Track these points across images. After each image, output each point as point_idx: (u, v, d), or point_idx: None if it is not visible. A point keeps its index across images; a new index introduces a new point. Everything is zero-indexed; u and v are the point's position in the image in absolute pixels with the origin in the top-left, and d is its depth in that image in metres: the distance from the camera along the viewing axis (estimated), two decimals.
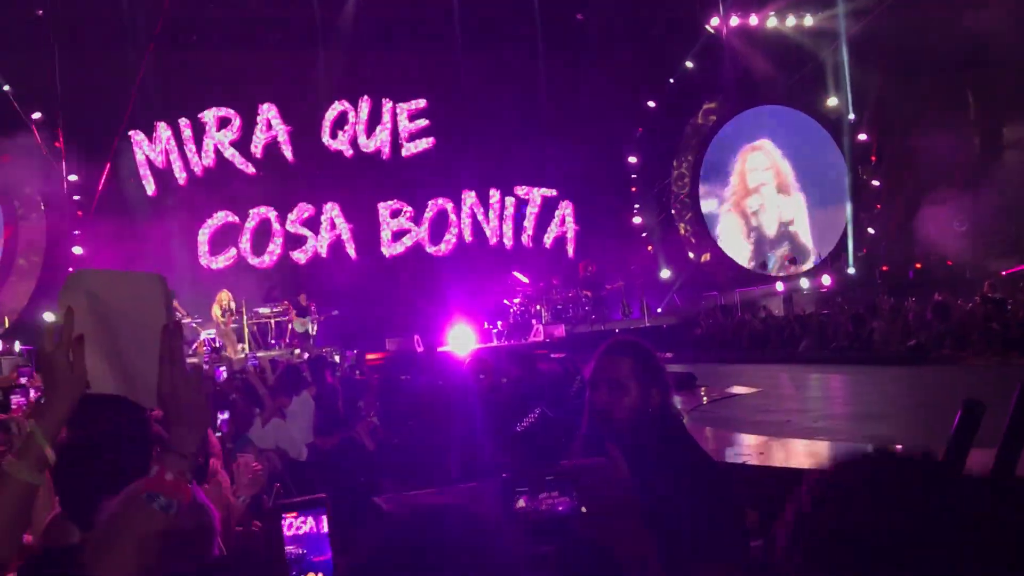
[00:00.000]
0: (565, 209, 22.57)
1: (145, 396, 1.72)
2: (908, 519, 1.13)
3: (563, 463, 1.64)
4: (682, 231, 25.28)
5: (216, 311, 17.37)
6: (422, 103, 21.51)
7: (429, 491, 6.23)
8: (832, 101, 24.85)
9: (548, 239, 22.56)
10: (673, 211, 25.20)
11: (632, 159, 24.27)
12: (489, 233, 22.06)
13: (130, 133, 19.62)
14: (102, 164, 19.23)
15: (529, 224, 22.31)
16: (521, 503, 1.52)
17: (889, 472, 1.21)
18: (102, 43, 18.99)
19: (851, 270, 24.32)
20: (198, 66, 19.94)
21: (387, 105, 21.48)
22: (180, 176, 19.95)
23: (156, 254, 17.96)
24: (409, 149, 21.50)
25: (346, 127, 21.25)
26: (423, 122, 21.58)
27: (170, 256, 18.50)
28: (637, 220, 24.50)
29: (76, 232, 18.97)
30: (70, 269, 18.17)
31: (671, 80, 24.13)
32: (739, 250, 25.40)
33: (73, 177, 19.01)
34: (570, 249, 22.65)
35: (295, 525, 1.57)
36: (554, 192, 22.52)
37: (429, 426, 7.81)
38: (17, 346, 16.38)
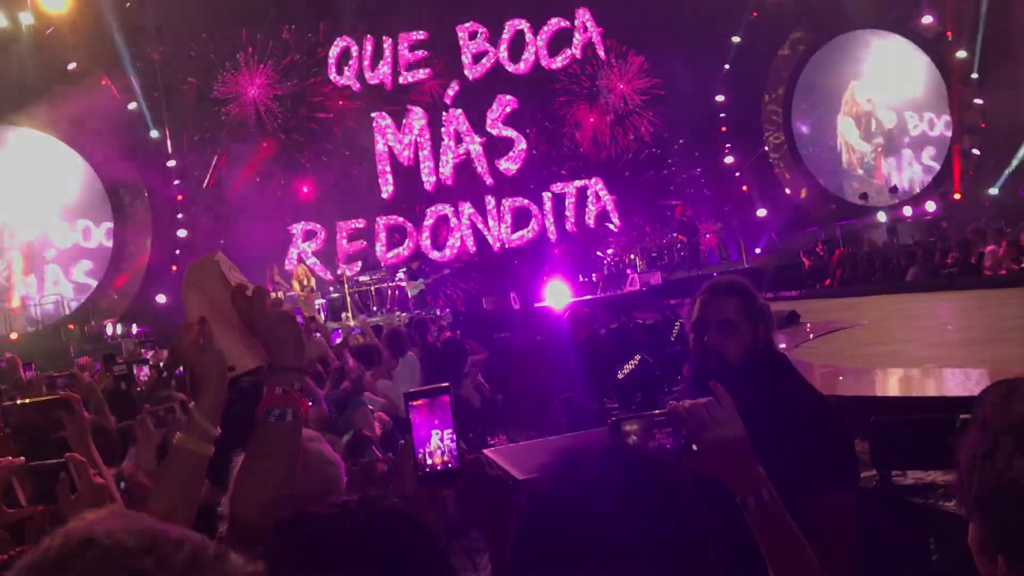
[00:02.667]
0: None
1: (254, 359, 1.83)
2: None
3: (671, 402, 1.67)
4: (776, 168, 24.70)
5: (296, 286, 17.76)
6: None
7: (536, 441, 6.34)
8: (927, 19, 23.81)
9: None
10: (767, 148, 24.63)
11: (720, 97, 23.73)
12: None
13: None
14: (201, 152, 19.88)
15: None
16: (632, 440, 1.57)
17: None
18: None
19: (957, 195, 23.46)
20: None
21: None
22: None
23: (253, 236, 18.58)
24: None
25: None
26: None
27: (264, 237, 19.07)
28: (729, 160, 24.02)
29: (179, 215, 19.67)
30: (176, 252, 18.96)
31: (754, 14, 23.45)
32: (838, 182, 24.72)
33: (171, 163, 19.66)
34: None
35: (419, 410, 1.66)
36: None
37: (531, 380, 7.96)
38: (134, 328, 17.17)
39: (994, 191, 22.87)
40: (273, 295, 1.78)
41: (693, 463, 1.58)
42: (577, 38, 21.85)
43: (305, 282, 18.05)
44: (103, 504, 1.90)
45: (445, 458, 1.60)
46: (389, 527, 1.24)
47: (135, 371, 5.48)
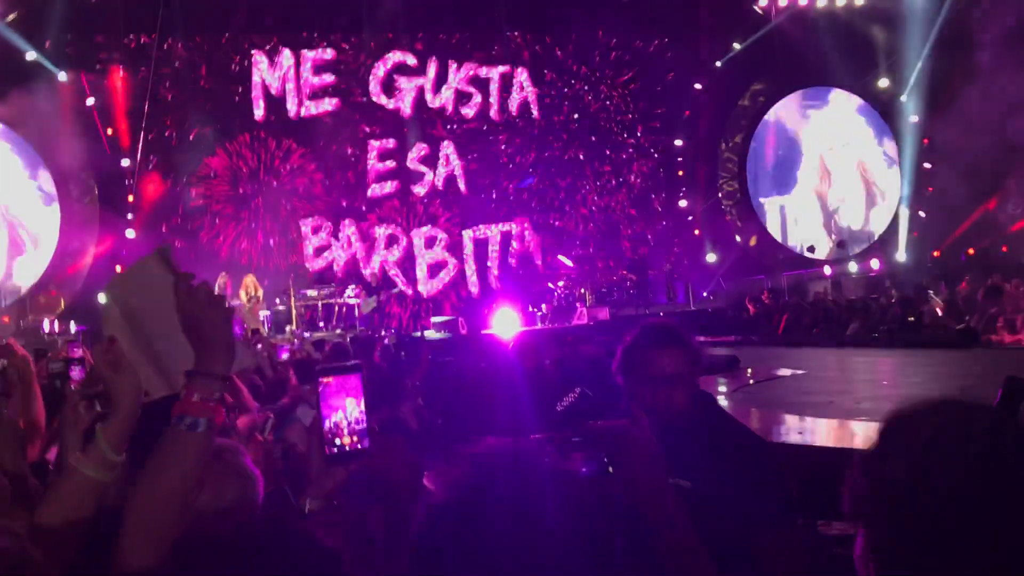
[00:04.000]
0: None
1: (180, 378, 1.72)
2: (974, 465, 1.18)
3: (589, 424, 1.66)
4: (728, 215, 25.06)
5: (242, 296, 17.56)
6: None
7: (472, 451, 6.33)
8: (883, 82, 24.43)
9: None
10: (720, 194, 24.99)
11: (678, 142, 24.07)
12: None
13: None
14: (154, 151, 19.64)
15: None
16: (547, 462, 1.57)
17: (954, 420, 1.25)
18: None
19: (901, 256, 23.97)
20: None
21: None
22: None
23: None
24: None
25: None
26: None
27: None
28: (683, 203, 24.32)
29: (129, 215, 19.36)
30: (123, 252, 18.62)
31: (718, 63, 23.90)
32: (787, 233, 25.13)
33: (125, 162, 19.36)
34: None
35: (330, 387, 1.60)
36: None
37: (473, 407, 7.92)
38: (73, 326, 16.78)
39: (936, 253, 23.42)
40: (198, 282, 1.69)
41: (608, 485, 1.58)
42: (514, 96, 21.95)
43: (252, 292, 17.83)
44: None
45: (354, 438, 1.55)
46: (287, 549, 1.21)
47: (70, 370, 5.34)
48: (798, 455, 5.80)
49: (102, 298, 1.84)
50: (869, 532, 1.27)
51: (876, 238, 24.81)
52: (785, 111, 25.14)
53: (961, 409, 1.28)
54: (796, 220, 25.18)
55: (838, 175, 25.24)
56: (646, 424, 1.64)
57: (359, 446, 1.57)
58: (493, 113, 21.79)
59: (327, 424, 1.56)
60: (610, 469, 1.58)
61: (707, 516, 1.85)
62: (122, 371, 1.70)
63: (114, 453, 1.68)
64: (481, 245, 21.40)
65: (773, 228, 25.05)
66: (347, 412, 1.56)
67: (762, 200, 25.05)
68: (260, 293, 18.01)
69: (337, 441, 1.56)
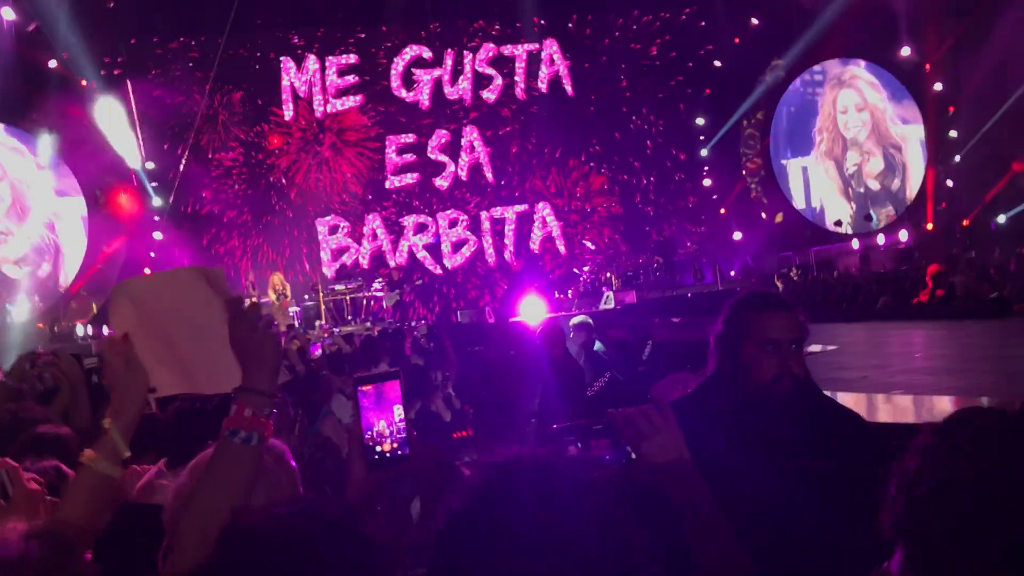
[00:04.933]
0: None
1: (208, 384, 1.83)
2: (1005, 478, 1.19)
3: (610, 411, 1.66)
4: (753, 192, 24.88)
5: (271, 294, 17.67)
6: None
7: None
8: (905, 51, 24.13)
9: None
10: (744, 171, 24.80)
11: (700, 120, 23.91)
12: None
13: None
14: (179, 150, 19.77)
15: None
16: (571, 450, 1.58)
17: (983, 431, 1.26)
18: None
19: (930, 225, 23.72)
20: None
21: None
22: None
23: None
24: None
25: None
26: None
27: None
28: (707, 182, 24.17)
29: (156, 218, 19.52)
30: (151, 254, 18.79)
31: (736, 40, 23.68)
32: (811, 203, 24.94)
33: (151, 165, 19.50)
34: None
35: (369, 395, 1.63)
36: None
37: (503, 395, 7.95)
38: (105, 330, 16.95)
39: (966, 222, 23.16)
40: (248, 301, 1.78)
41: (633, 472, 1.58)
42: (544, 70, 21.92)
43: (280, 290, 17.96)
44: (35, 511, 1.90)
45: (395, 445, 1.58)
46: (330, 539, 1.23)
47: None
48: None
49: (115, 294, 1.88)
50: (907, 549, 1.28)
51: (903, 209, 24.56)
52: (807, 83, 24.90)
53: (990, 420, 1.28)
54: (820, 189, 24.95)
55: (862, 144, 24.99)
56: (670, 410, 1.64)
57: (400, 452, 1.60)
58: (519, 92, 21.79)
59: (368, 434, 1.59)
60: (632, 456, 1.59)
61: (845, 501, 1.81)
62: (132, 367, 1.76)
63: (125, 447, 1.74)
64: (499, 224, 21.63)
65: (797, 198, 24.82)
66: (388, 420, 1.60)
67: (784, 163, 24.84)
68: (288, 289, 18.14)
69: (378, 448, 1.60)
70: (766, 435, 2.15)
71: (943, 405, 6.86)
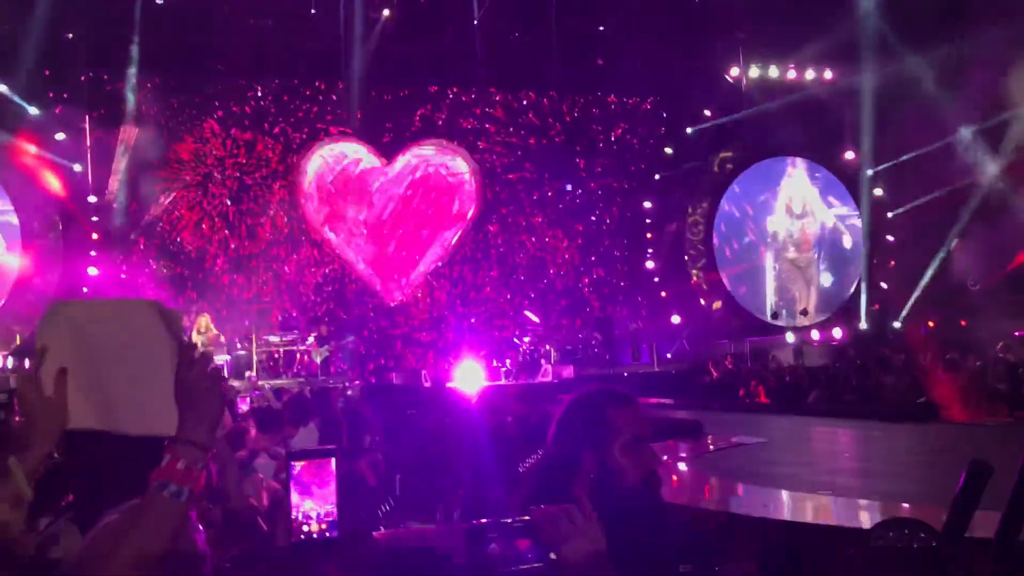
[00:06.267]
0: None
1: (133, 425, 1.71)
2: None
3: (532, 510, 1.60)
4: (694, 278, 25.25)
5: (196, 337, 17.32)
6: None
7: (426, 529, 6.20)
8: (849, 155, 24.92)
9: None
10: (686, 258, 25.20)
11: (647, 204, 24.32)
12: None
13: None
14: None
15: None
16: (493, 548, 1.52)
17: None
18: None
19: (863, 324, 24.23)
20: None
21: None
22: None
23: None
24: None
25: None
26: None
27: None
28: (650, 265, 24.50)
29: (92, 253, 19.09)
30: (84, 289, 18.32)
31: (688, 130, 24.31)
32: (751, 299, 25.36)
33: (92, 198, 19.16)
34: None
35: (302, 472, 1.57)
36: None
37: (433, 463, 7.81)
38: (27, 363, 16.37)
39: (897, 324, 23.70)
40: (200, 350, 1.70)
41: (552, 573, 1.53)
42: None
43: (203, 330, 17.60)
44: None
45: (323, 526, 1.51)
46: None
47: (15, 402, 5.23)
48: (764, 530, 5.76)
49: (49, 311, 1.78)
50: None
51: (838, 307, 25.12)
52: (752, 179, 25.52)
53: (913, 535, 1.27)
54: (759, 281, 25.43)
55: (800, 241, 25.60)
56: (591, 510, 1.59)
57: (327, 535, 1.53)
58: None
59: (296, 512, 1.52)
60: (552, 556, 1.54)
61: None
62: (52, 402, 1.67)
63: (29, 489, 1.63)
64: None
65: (736, 287, 25.26)
66: (318, 501, 1.52)
67: (725, 252, 25.33)
68: (211, 334, 17.74)
69: (305, 528, 1.53)
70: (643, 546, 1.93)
71: (869, 510, 6.89)
